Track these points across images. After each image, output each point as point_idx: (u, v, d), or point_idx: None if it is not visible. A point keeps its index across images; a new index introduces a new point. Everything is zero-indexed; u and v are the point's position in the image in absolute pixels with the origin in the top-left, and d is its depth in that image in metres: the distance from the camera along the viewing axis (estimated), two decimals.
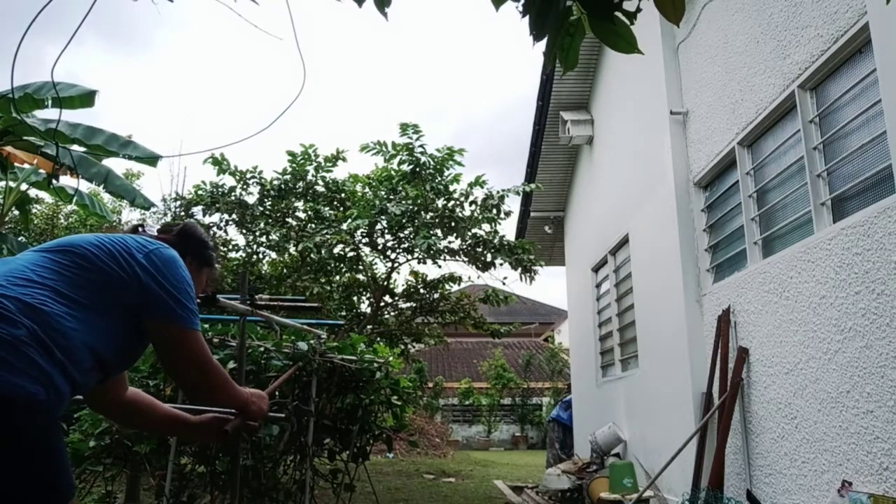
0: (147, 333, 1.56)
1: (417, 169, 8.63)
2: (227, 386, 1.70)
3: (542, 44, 1.59)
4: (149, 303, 1.52)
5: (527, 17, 1.52)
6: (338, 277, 10.20)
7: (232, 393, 1.73)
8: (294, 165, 9.22)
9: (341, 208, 9.29)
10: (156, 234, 1.79)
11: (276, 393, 4.00)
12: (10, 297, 1.33)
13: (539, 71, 8.96)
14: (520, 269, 8.69)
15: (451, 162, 8.77)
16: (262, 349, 4.18)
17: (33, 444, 1.26)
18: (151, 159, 6.39)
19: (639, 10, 1.51)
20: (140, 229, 1.78)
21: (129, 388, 1.82)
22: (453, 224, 8.63)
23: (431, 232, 8.33)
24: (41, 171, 6.53)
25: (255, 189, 9.33)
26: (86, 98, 6.09)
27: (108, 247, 1.53)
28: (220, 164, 9.09)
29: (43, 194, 9.72)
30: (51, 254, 1.49)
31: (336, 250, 8.78)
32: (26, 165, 6.51)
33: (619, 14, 1.49)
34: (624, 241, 7.14)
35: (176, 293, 1.55)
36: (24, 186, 6.84)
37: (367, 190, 9.46)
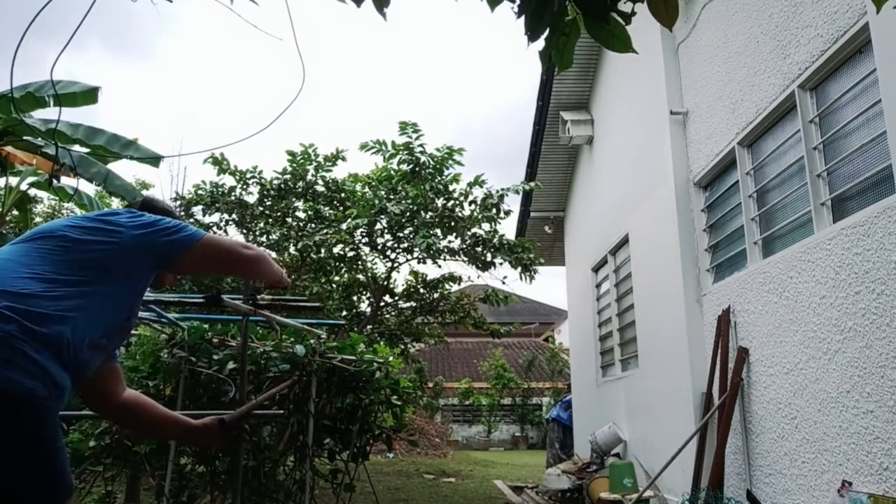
0: (179, 271, 1.72)
1: (417, 168, 8.61)
2: (261, 260, 1.76)
3: (538, 44, 1.58)
4: (157, 249, 1.59)
5: (522, 18, 1.52)
6: (337, 277, 10.19)
7: (266, 266, 1.80)
8: (294, 165, 9.21)
9: (341, 208, 9.28)
10: None
11: (276, 396, 4.00)
12: None
13: (537, 73, 8.96)
14: (520, 269, 8.68)
15: (450, 161, 8.76)
16: (259, 350, 4.18)
17: (31, 442, 1.25)
18: (153, 159, 6.39)
19: (633, 13, 1.51)
20: None
21: (129, 389, 1.81)
22: (453, 223, 8.63)
23: (431, 231, 8.32)
24: (40, 170, 6.52)
25: (254, 189, 9.33)
26: (88, 95, 6.02)
27: (84, 224, 1.55)
28: (220, 163, 9.08)
29: (42, 194, 9.71)
30: (32, 242, 1.50)
31: (336, 250, 8.77)
32: (26, 165, 6.50)
33: (614, 14, 1.49)
34: (624, 241, 7.13)
35: (166, 225, 1.62)
36: (24, 186, 6.83)
37: (366, 189, 9.45)
